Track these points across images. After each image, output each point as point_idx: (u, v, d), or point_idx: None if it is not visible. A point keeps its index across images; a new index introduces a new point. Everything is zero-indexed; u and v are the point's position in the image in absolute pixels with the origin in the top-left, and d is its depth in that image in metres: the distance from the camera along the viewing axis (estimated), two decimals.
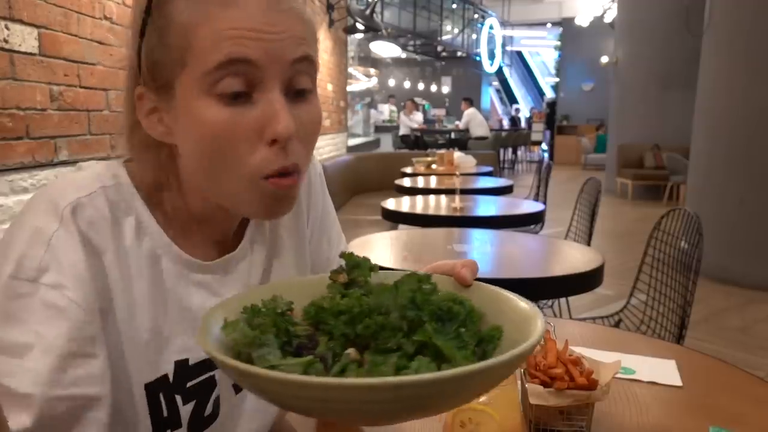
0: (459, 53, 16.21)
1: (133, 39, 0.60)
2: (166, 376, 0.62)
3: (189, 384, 0.64)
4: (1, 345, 0.51)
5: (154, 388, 0.61)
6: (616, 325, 2.16)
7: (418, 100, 14.43)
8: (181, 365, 0.63)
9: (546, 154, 15.73)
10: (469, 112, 11.46)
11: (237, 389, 0.70)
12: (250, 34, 0.55)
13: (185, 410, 0.64)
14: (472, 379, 0.42)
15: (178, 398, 0.63)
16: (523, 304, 0.53)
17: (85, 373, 0.53)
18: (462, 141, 11.03)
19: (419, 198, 3.63)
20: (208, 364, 0.65)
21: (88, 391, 0.53)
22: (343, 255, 0.59)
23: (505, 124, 18.33)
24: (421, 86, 18.37)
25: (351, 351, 0.48)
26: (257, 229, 0.73)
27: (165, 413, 0.62)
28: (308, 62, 0.60)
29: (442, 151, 5.40)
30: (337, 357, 0.48)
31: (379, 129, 13.27)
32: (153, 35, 0.58)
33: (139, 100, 0.61)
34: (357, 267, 0.57)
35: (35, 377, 0.51)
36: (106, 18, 2.41)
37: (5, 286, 0.53)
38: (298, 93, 0.60)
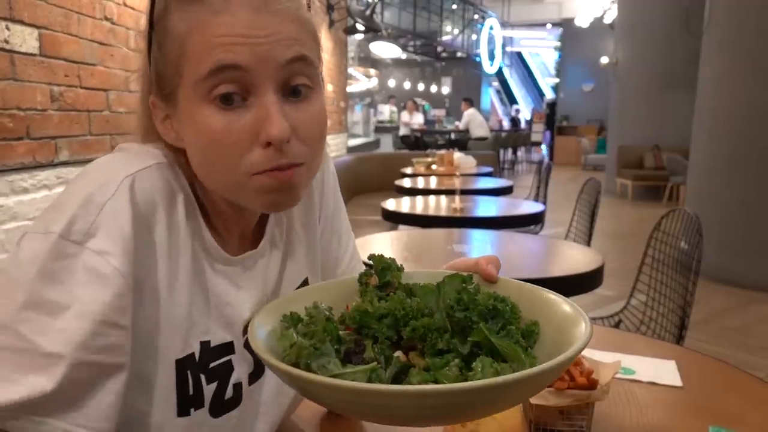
0: (459, 54, 16.21)
1: (145, 50, 0.63)
2: (192, 355, 0.64)
3: (212, 365, 0.66)
4: (38, 301, 0.52)
5: (183, 365, 0.63)
6: (616, 325, 2.16)
7: (418, 100, 14.44)
8: (204, 346, 0.65)
9: (546, 155, 15.74)
10: (469, 113, 11.46)
11: (251, 381, 0.71)
12: (238, 40, 0.56)
13: (208, 390, 0.65)
14: (545, 376, 0.43)
15: (203, 377, 0.65)
16: (553, 296, 0.55)
17: (114, 342, 0.54)
18: (462, 141, 11.03)
19: (419, 198, 3.63)
20: (227, 348, 0.67)
21: (113, 360, 0.54)
22: (372, 257, 0.60)
23: (505, 124, 18.33)
24: (421, 87, 18.37)
25: (399, 354, 0.48)
26: (276, 226, 0.74)
27: (191, 391, 0.64)
28: (303, 62, 0.60)
29: (442, 151, 5.40)
30: (389, 360, 0.48)
31: (379, 129, 13.28)
32: (155, 47, 0.61)
33: (153, 108, 0.64)
34: (388, 269, 0.58)
35: (67, 338, 0.51)
36: (106, 19, 2.41)
37: (54, 245, 0.53)
38: (296, 93, 0.60)
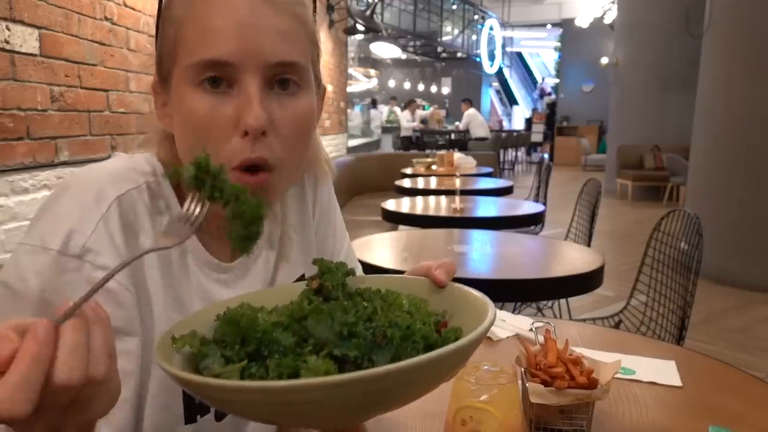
0: (459, 54, 16.21)
1: (155, 34, 0.66)
2: None
3: None
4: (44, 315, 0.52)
5: None
6: (617, 326, 2.17)
7: (418, 100, 14.44)
8: None
9: (546, 155, 15.73)
10: (470, 113, 11.47)
11: None
12: (230, 31, 0.57)
13: None
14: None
15: None
16: (476, 294, 0.55)
17: (123, 348, 0.55)
18: (462, 142, 11.04)
19: (419, 199, 3.63)
20: None
21: (122, 365, 0.53)
22: (315, 261, 0.59)
23: (506, 125, 18.19)
24: (421, 87, 18.38)
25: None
26: (270, 227, 0.75)
27: (197, 399, 0.64)
28: (292, 67, 0.60)
29: (442, 152, 5.41)
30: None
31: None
32: (159, 32, 0.63)
33: (154, 93, 0.66)
34: (328, 272, 0.57)
35: None
36: (106, 19, 2.41)
37: (55, 260, 0.54)
38: (284, 84, 0.60)
